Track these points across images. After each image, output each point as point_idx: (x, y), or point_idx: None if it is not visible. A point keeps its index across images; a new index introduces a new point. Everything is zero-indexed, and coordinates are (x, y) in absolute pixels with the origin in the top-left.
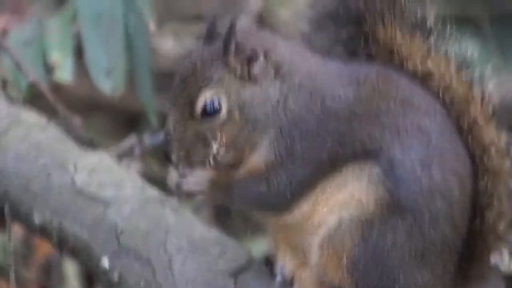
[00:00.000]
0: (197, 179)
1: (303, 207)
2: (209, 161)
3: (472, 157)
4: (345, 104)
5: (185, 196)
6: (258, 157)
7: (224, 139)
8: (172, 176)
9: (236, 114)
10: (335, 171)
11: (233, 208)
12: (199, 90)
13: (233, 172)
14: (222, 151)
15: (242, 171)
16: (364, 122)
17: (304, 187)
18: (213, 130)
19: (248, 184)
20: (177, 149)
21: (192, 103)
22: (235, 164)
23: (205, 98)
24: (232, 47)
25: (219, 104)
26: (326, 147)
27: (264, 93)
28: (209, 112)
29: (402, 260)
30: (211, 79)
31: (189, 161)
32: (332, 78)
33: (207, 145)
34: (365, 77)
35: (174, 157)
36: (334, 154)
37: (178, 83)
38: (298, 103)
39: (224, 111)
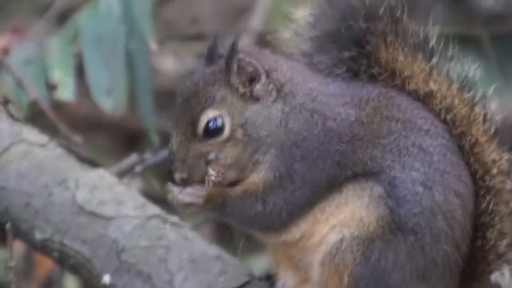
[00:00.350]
0: (193, 191)
1: (302, 226)
2: (211, 180)
3: (473, 176)
4: (346, 125)
5: (180, 207)
6: (257, 176)
7: (227, 159)
8: (170, 189)
9: (239, 134)
10: (335, 191)
11: (229, 223)
12: (201, 110)
13: (230, 188)
14: (224, 170)
15: (238, 188)
16: (366, 143)
17: (302, 207)
18: (215, 149)
19: (244, 202)
20: (180, 169)
21: (194, 123)
22: (236, 182)
23: (207, 118)
24: (235, 67)
25: (222, 123)
26: (326, 167)
27: (266, 113)
28: (212, 132)
29: (404, 280)
30: (213, 99)
31: (192, 181)
32: (334, 98)
33: (209, 164)
34: (367, 97)
35: (177, 177)
36: (334, 175)
37: (181, 103)
38: (299, 123)
39: (227, 130)
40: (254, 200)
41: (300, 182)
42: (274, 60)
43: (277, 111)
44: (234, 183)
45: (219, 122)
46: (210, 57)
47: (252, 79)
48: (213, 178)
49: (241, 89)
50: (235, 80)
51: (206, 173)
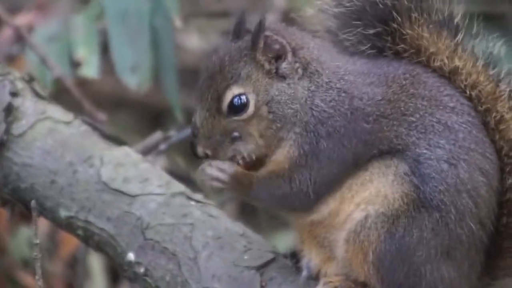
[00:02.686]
0: (221, 166)
1: (330, 205)
2: (236, 156)
3: (499, 153)
4: (373, 103)
5: (206, 180)
6: (282, 154)
7: (251, 136)
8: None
9: (264, 111)
10: (361, 169)
11: (255, 204)
12: (226, 86)
13: (257, 168)
14: (249, 147)
15: (264, 169)
16: (392, 120)
17: (328, 186)
18: (240, 126)
19: (270, 182)
20: (204, 145)
21: (219, 99)
22: (261, 160)
23: (232, 94)
24: (261, 44)
25: (247, 100)
26: (353, 145)
27: (291, 90)
28: (236, 109)
29: (428, 256)
30: (238, 76)
31: (216, 157)
32: (360, 77)
33: (234, 141)
34: (393, 75)
35: (200, 150)
36: (360, 153)
37: (205, 79)
38: (325, 101)
39: (251, 107)
40: (281, 181)
41: (326, 160)
42: (301, 38)
43: (302, 89)
44: (259, 162)
45: (243, 99)
46: (237, 32)
47: (278, 57)
48: (238, 154)
49: (267, 66)
50: (261, 57)
51: (230, 149)
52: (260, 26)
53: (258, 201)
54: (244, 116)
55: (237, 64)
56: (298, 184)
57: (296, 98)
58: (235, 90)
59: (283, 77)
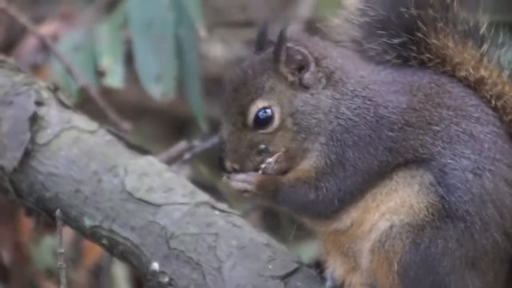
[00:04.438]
0: (246, 177)
1: (353, 214)
2: (263, 169)
3: None
4: (398, 112)
5: (233, 193)
6: (308, 164)
7: (277, 148)
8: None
9: (289, 122)
10: (386, 178)
11: (280, 210)
12: (251, 100)
13: (282, 176)
14: (276, 159)
15: (291, 175)
16: (417, 129)
17: (353, 194)
18: (266, 139)
19: (296, 189)
20: (232, 159)
21: (244, 113)
22: (287, 170)
23: (257, 108)
24: (283, 55)
25: (272, 113)
26: (378, 154)
27: (316, 101)
28: (262, 122)
29: (453, 267)
30: (262, 89)
31: (243, 170)
32: (385, 86)
33: (260, 153)
34: (418, 84)
35: (228, 165)
36: (386, 161)
37: (230, 92)
38: (350, 109)
39: (276, 120)
40: (307, 187)
41: (352, 168)
42: (324, 48)
43: (326, 99)
44: (285, 172)
45: (268, 113)
46: (260, 43)
47: (301, 67)
48: (265, 167)
49: (290, 78)
50: (284, 68)
51: (258, 162)
52: (282, 38)
53: (284, 207)
54: (270, 129)
55: (261, 77)
56: (324, 192)
57: (320, 107)
58: (259, 103)
59: (306, 88)
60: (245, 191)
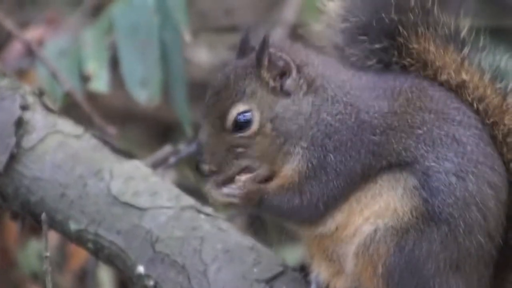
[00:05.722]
0: (230, 191)
1: (338, 218)
2: (241, 173)
3: (507, 166)
4: (380, 116)
5: (221, 206)
6: (291, 169)
7: (255, 152)
8: (209, 191)
9: (268, 128)
10: (370, 182)
11: (265, 217)
12: (231, 103)
13: (266, 184)
14: (253, 163)
15: (274, 183)
16: (399, 134)
17: (337, 198)
18: (245, 142)
19: (281, 197)
20: (209, 161)
21: (224, 116)
22: (268, 176)
23: (237, 111)
24: (265, 61)
25: (251, 117)
26: (361, 158)
27: (296, 107)
28: (241, 126)
29: (437, 270)
30: (243, 93)
31: (221, 173)
32: (366, 91)
33: (239, 157)
34: (399, 89)
35: (205, 168)
36: (368, 166)
37: (211, 96)
38: (331, 114)
39: (255, 124)
40: (291, 193)
41: (334, 172)
42: (306, 54)
43: (307, 105)
44: (268, 179)
45: (248, 116)
46: (242, 49)
47: (283, 74)
48: (243, 171)
49: (272, 83)
50: (266, 74)
51: (235, 165)
52: (264, 44)
53: (269, 214)
54: (249, 132)
55: (242, 82)
56: (308, 196)
57: (301, 113)
58: (240, 107)
59: (288, 94)
60: (231, 204)
